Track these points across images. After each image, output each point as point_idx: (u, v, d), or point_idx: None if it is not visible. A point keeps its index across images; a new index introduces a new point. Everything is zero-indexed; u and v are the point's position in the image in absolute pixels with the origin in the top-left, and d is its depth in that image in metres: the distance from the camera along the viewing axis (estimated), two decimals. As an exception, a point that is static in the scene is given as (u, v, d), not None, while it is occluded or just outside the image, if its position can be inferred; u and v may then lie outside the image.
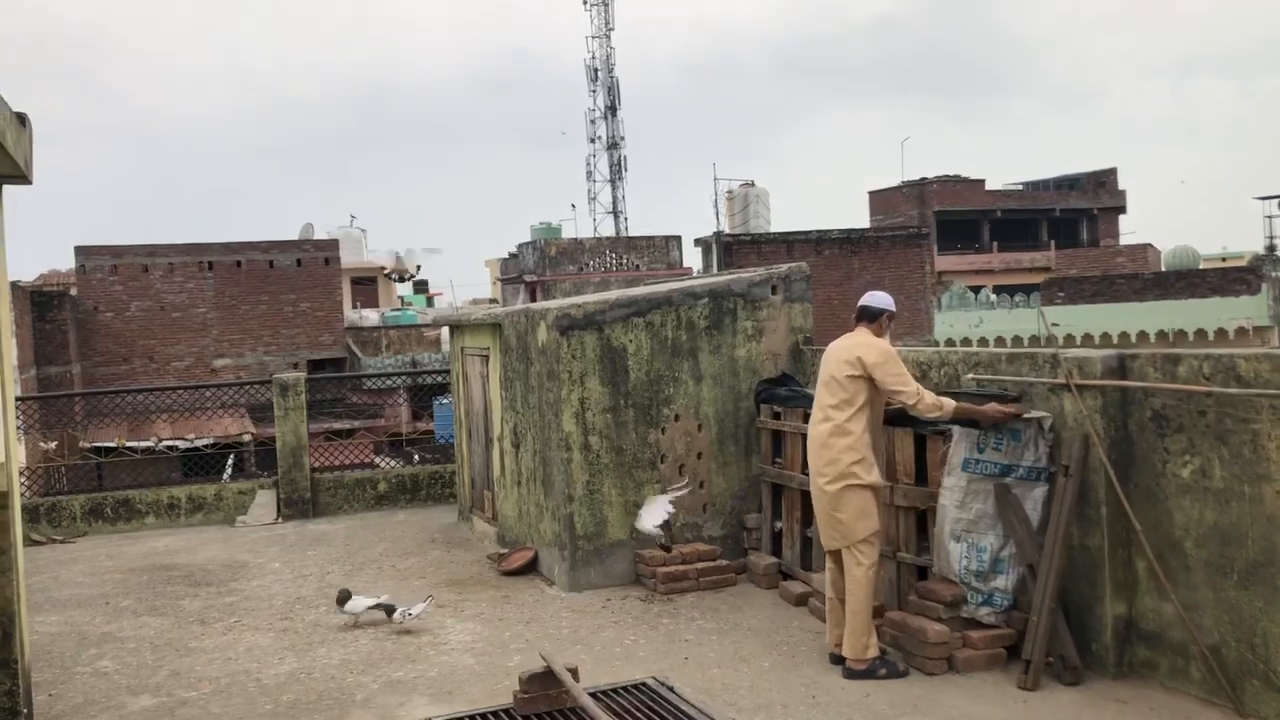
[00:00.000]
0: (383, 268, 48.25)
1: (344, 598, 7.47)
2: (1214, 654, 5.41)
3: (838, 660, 6.20)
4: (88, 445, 19.01)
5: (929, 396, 6.07)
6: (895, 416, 6.69)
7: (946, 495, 6.27)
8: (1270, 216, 47.35)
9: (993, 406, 6.12)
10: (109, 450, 18.69)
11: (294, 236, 37.21)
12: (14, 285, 25.05)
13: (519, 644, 6.88)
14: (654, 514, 7.18)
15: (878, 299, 6.44)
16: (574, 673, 5.58)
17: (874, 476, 6.16)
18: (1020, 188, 61.68)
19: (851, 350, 6.18)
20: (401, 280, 50.51)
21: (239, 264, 32.91)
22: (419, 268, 50.88)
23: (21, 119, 5.17)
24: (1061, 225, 58.25)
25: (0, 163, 5.00)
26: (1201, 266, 43.87)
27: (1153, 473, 5.75)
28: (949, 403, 6.07)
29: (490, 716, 5.58)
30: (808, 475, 7.43)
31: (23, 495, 11.98)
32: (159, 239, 33.42)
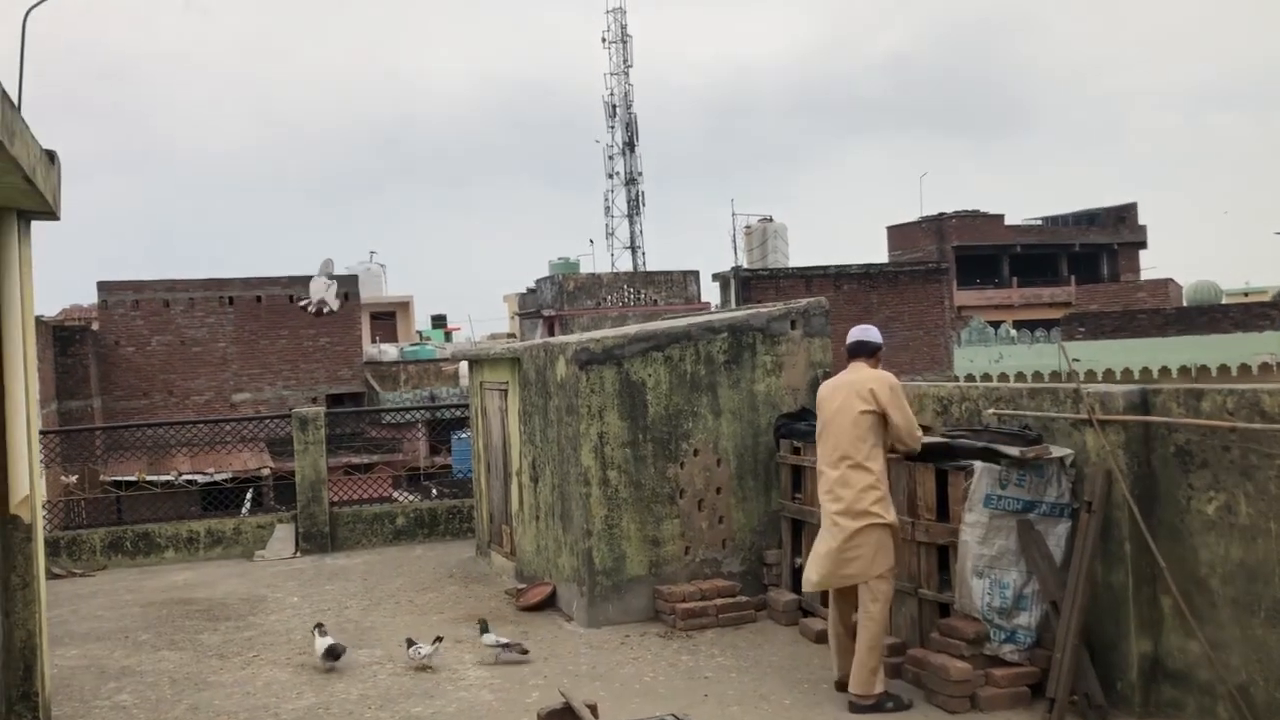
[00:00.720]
0: (404, 303, 48.51)
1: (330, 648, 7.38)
2: (1242, 693, 5.32)
3: (841, 687, 6.19)
4: (108, 479, 19.11)
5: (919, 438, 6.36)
6: (918, 452, 6.66)
7: (969, 531, 6.23)
8: (1291, 251, 47.10)
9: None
10: (129, 484, 18.79)
11: (314, 272, 37.48)
12: (37, 320, 25.33)
13: (537, 680, 6.84)
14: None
15: (873, 333, 6.50)
16: (593, 709, 5.54)
17: (892, 515, 6.16)
18: (1040, 223, 61.59)
19: (864, 384, 6.17)
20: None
21: (259, 299, 33.14)
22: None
23: (51, 156, 5.26)
24: (1081, 260, 58.08)
25: (29, 199, 5.08)
26: (1224, 301, 43.64)
27: (1177, 509, 5.69)
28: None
29: (509, 753, 5.55)
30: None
31: (44, 528, 12.05)
32: (180, 272, 33.79)
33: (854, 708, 6.02)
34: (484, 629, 7.42)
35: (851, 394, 6.18)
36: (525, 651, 7.30)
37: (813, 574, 6.31)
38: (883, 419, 6.12)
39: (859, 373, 6.31)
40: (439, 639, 7.43)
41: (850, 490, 6.09)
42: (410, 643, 7.32)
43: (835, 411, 6.23)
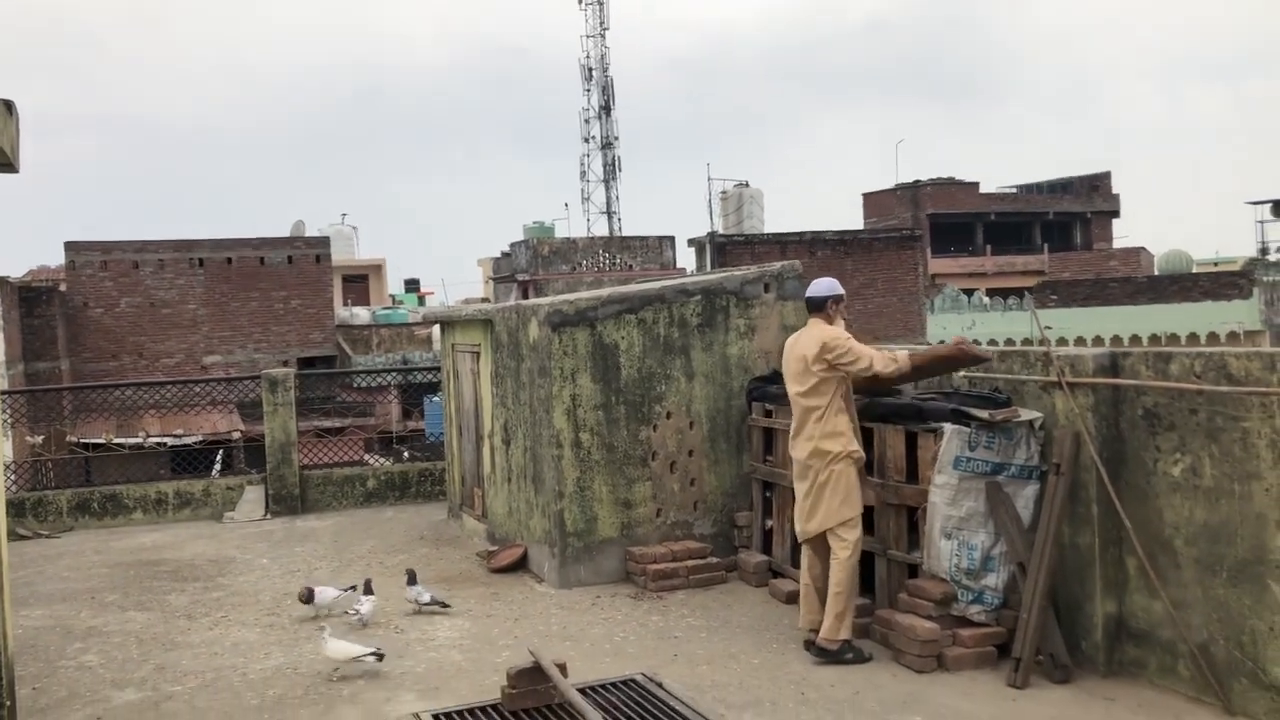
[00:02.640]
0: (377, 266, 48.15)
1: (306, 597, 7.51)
2: (1203, 652, 5.40)
3: (809, 644, 6.31)
4: (76, 440, 18.92)
5: (881, 357, 6.23)
6: (885, 414, 6.68)
7: (937, 493, 6.26)
8: (1262, 221, 47.48)
9: (955, 339, 6.33)
10: (97, 446, 18.62)
11: (285, 233, 37.09)
12: (2, 281, 24.95)
13: (507, 640, 6.84)
14: (347, 648, 6.40)
15: (820, 287, 6.58)
16: (563, 668, 5.55)
17: (855, 445, 6.31)
18: (1014, 191, 61.77)
19: (810, 343, 6.36)
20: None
21: (229, 261, 32.77)
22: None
23: (8, 105, 5.12)
24: (1055, 229, 58.34)
25: (-14, 150, 4.94)
26: (1194, 271, 44.00)
27: (1144, 471, 5.74)
28: (903, 355, 6.26)
29: (478, 712, 5.55)
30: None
31: (9, 489, 11.91)
32: (149, 234, 33.30)
33: (817, 651, 6.16)
34: (411, 580, 7.63)
35: (800, 352, 6.40)
36: (447, 605, 7.53)
37: (797, 525, 6.51)
38: (832, 369, 6.23)
39: (809, 330, 6.48)
40: (358, 587, 7.50)
41: (811, 442, 6.29)
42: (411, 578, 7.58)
43: (793, 369, 6.45)
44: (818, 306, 6.51)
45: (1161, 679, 5.65)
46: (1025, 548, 6.02)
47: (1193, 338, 31.26)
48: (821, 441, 6.26)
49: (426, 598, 7.58)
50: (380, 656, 6.32)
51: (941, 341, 6.59)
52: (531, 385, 8.46)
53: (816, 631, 6.30)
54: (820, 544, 6.36)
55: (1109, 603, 5.87)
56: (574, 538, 8.08)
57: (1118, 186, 60.65)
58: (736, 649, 6.50)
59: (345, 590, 7.63)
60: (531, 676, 5.52)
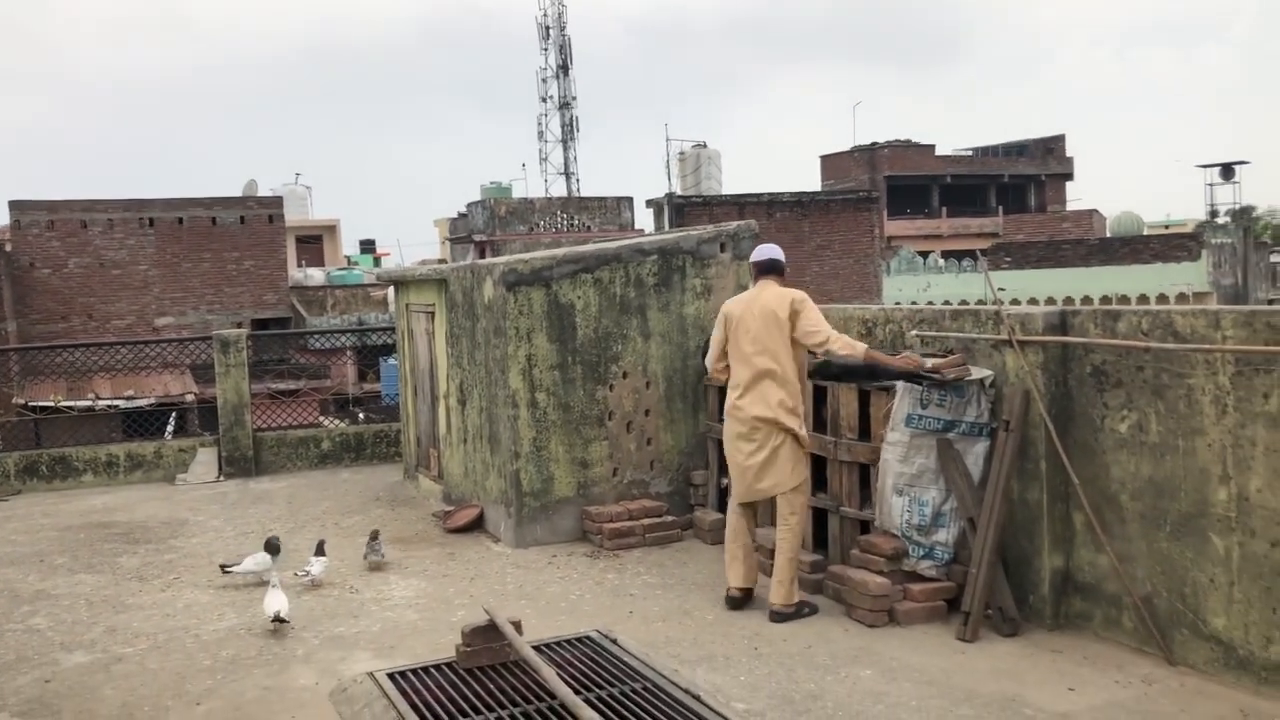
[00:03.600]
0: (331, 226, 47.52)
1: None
2: (1146, 604, 5.51)
3: (736, 603, 6.42)
4: (24, 403, 18.60)
5: (840, 339, 6.17)
6: (839, 373, 6.72)
7: (890, 450, 6.32)
8: (1211, 184, 48.19)
9: (902, 357, 6.24)
10: (46, 409, 18.31)
11: (237, 193, 36.47)
12: (-55, 240, 24.34)
13: (463, 600, 6.85)
14: (277, 601, 6.49)
15: (779, 251, 6.52)
16: (517, 626, 5.55)
17: (803, 430, 6.33)
18: (970, 153, 62.16)
19: (777, 302, 6.21)
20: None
21: (180, 221, 32.21)
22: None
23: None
24: (1010, 191, 58.84)
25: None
26: (1145, 233, 44.60)
27: (1091, 427, 5.82)
28: (860, 346, 6.19)
29: (432, 670, 5.55)
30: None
31: (-46, 453, 11.70)
32: (97, 194, 32.62)
33: (778, 617, 6.20)
34: (373, 537, 7.77)
35: (769, 309, 6.21)
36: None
37: (737, 489, 6.47)
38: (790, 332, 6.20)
39: (770, 289, 6.33)
40: (319, 546, 7.50)
41: (767, 406, 6.21)
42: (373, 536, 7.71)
43: (754, 327, 6.25)
44: (774, 269, 6.44)
45: (1106, 631, 5.77)
46: (975, 504, 6.10)
47: (1143, 299, 31.74)
48: (781, 413, 6.18)
49: (381, 553, 7.71)
50: (282, 621, 6.32)
51: (907, 349, 6.62)
52: (487, 345, 8.42)
53: (743, 590, 6.44)
54: (753, 506, 6.47)
55: (1056, 557, 5.98)
56: (530, 497, 8.08)
57: (1072, 149, 61.25)
58: (691, 605, 6.56)
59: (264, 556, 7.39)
60: (486, 635, 5.52)
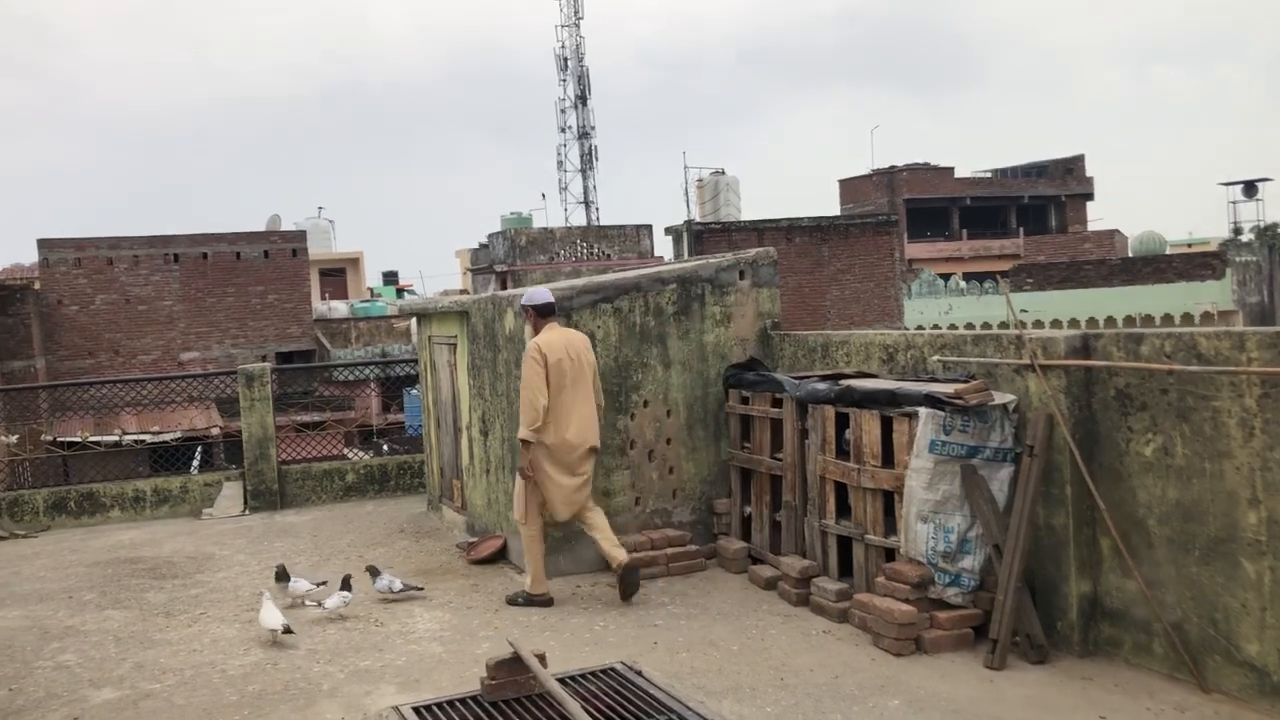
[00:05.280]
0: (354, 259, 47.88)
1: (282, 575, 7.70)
2: (1176, 630, 5.45)
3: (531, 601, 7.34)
4: (52, 439, 18.77)
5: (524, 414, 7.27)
6: (861, 399, 6.70)
7: (914, 477, 6.29)
8: (1234, 202, 47.85)
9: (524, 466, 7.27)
10: (74, 445, 18.47)
11: (261, 228, 36.80)
12: (-25, 279, 24.66)
13: (487, 632, 6.84)
14: (274, 616, 6.82)
15: (547, 293, 7.54)
16: (542, 659, 5.55)
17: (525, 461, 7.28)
18: (989, 175, 62.03)
19: (579, 337, 7.39)
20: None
21: (205, 256, 32.52)
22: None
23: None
24: (1030, 212, 58.64)
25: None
26: (1168, 252, 44.32)
27: (1116, 451, 5.78)
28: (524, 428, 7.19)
29: (458, 704, 5.55)
30: (777, 459, 7.47)
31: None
32: (124, 231, 32.99)
33: (523, 599, 7.30)
34: (374, 573, 7.84)
35: (582, 351, 7.29)
36: (420, 588, 7.81)
37: (564, 511, 7.34)
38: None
39: (568, 332, 7.41)
40: (327, 583, 7.61)
41: (595, 428, 7.33)
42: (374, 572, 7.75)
43: (578, 366, 7.21)
44: (553, 311, 7.44)
45: (1137, 657, 5.71)
46: (1000, 530, 6.06)
47: (1166, 319, 31.52)
48: (597, 438, 7.32)
49: (399, 585, 7.68)
50: (289, 631, 6.78)
51: (930, 374, 6.84)
52: (508, 376, 8.44)
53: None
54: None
55: (1084, 583, 5.92)
56: (553, 528, 8.07)
57: (1091, 169, 61.06)
58: (716, 636, 6.52)
59: (320, 584, 7.66)
60: (511, 667, 5.53)
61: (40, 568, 9.52)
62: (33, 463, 15.53)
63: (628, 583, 7.22)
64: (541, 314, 7.37)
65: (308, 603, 7.44)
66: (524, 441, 7.20)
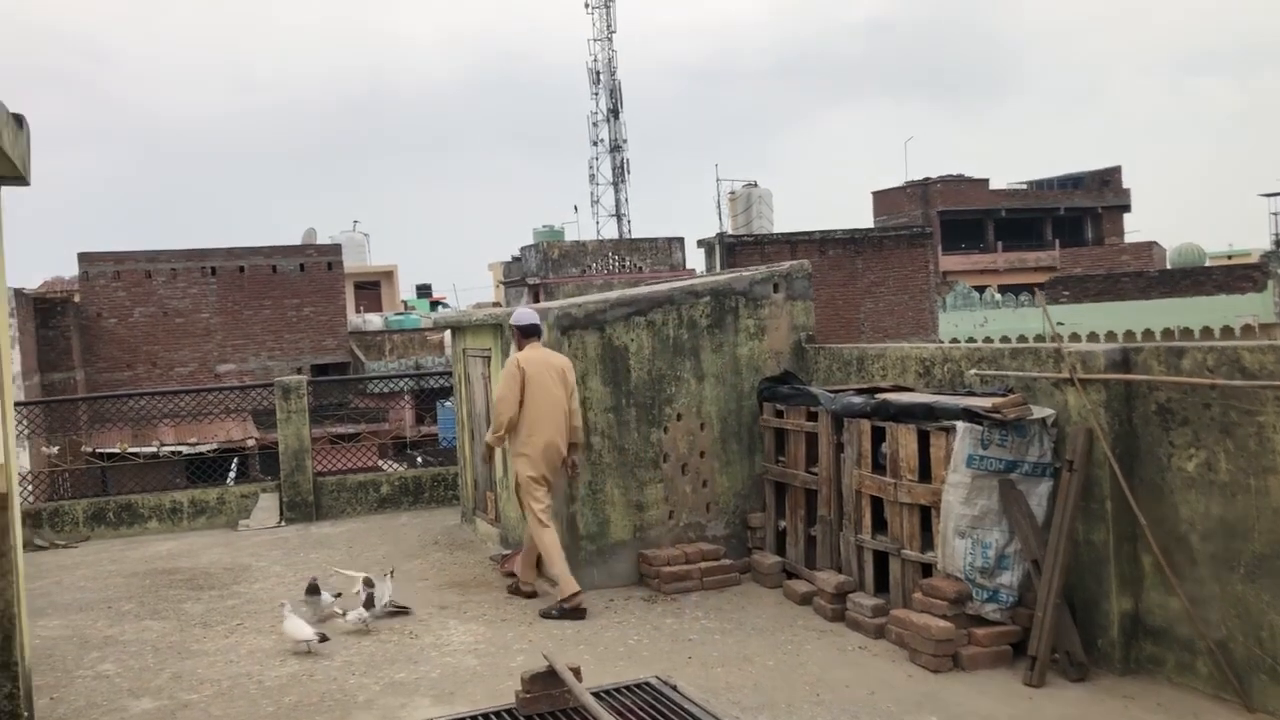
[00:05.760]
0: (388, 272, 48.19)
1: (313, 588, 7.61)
2: (1221, 649, 5.36)
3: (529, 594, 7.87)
4: (91, 450, 19.01)
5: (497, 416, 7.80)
6: (898, 413, 6.66)
7: (951, 492, 6.23)
8: (1275, 213, 47.21)
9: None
10: (113, 456, 18.69)
11: (296, 241, 37.17)
12: (17, 293, 25.06)
13: (521, 645, 6.84)
14: (301, 627, 6.95)
15: (535, 315, 7.89)
16: (576, 672, 5.54)
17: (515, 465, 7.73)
18: (1024, 187, 61.61)
19: (558, 361, 7.71)
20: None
21: (242, 269, 32.88)
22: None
23: (19, 120, 5.15)
24: (1066, 224, 58.17)
25: (-3, 163, 4.98)
26: (1207, 264, 43.79)
27: (1157, 466, 5.70)
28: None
29: (492, 717, 5.55)
30: (812, 473, 7.43)
31: (26, 500, 11.98)
32: (161, 244, 33.45)
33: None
34: (313, 590, 7.58)
35: (558, 364, 7.67)
36: (405, 609, 7.71)
37: (548, 509, 7.69)
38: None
39: (544, 350, 7.74)
40: (367, 582, 7.54)
41: (565, 431, 7.62)
42: (369, 600, 7.43)
43: (551, 381, 7.57)
44: (537, 332, 7.79)
45: (1180, 676, 5.62)
46: (1039, 545, 5.99)
47: (1206, 332, 31.09)
48: (565, 441, 7.63)
49: (385, 600, 7.55)
50: (324, 638, 6.88)
51: (967, 388, 6.80)
52: (542, 389, 8.45)
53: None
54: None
55: (1125, 600, 5.84)
56: (586, 541, 8.08)
57: (1128, 181, 60.50)
58: (751, 651, 6.49)
59: (336, 595, 7.73)
60: (546, 681, 5.52)
61: (80, 578, 9.63)
62: (72, 473, 15.73)
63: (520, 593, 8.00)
64: (525, 334, 7.77)
65: (335, 611, 7.47)
66: (487, 445, 8.19)
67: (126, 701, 6.23)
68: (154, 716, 5.97)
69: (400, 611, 7.66)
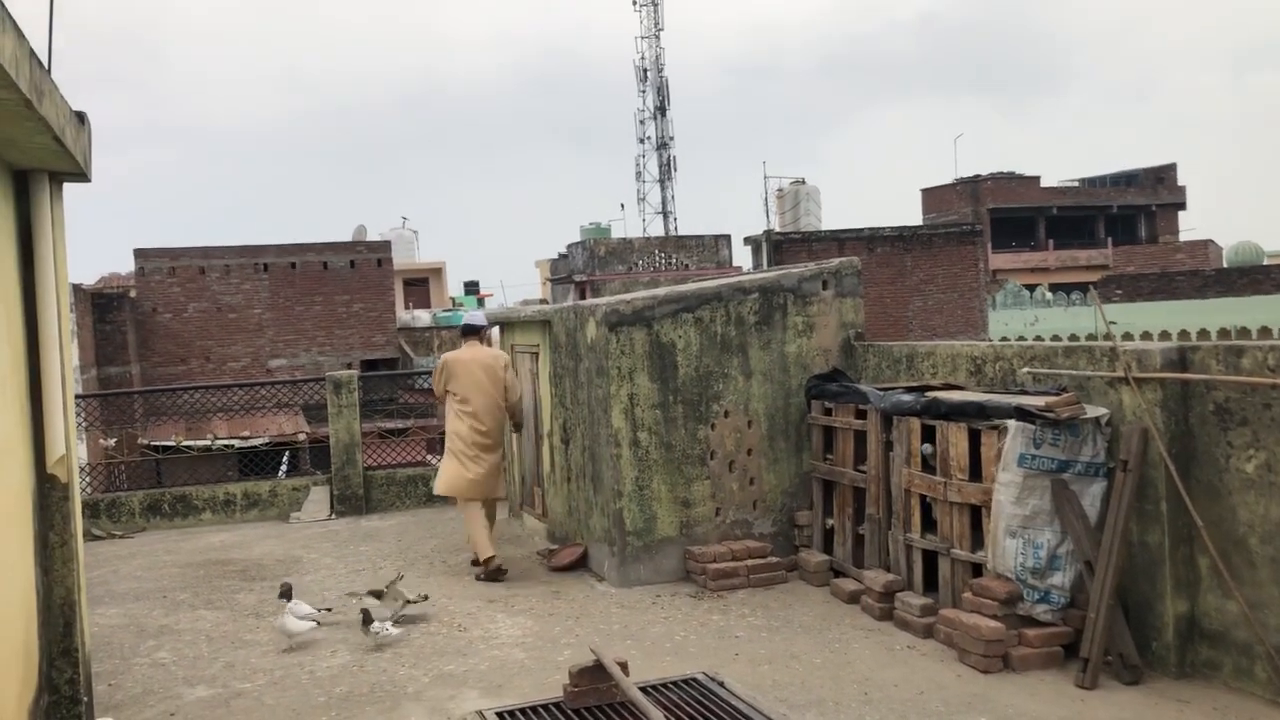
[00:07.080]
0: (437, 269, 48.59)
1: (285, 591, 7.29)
2: (1280, 654, 5.26)
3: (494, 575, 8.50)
4: (146, 443, 19.35)
5: (519, 394, 9.22)
6: (949, 411, 6.60)
7: (1002, 491, 6.17)
8: (1337, 211, 46.16)
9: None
10: (167, 448, 19.00)
11: (347, 238, 37.58)
12: (76, 288, 25.59)
13: (569, 639, 6.88)
14: (295, 625, 6.97)
15: (479, 318, 9.36)
16: (624, 667, 5.56)
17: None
18: (1077, 184, 60.75)
19: (499, 357, 8.91)
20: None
21: (293, 266, 33.31)
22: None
23: (81, 117, 5.26)
24: (1119, 222, 57.28)
25: (60, 160, 5.08)
26: (1265, 263, 42.90)
27: (1215, 467, 5.61)
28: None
29: (540, 710, 5.59)
30: (860, 471, 7.39)
31: (84, 492, 12.23)
32: (214, 241, 33.99)
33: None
34: (286, 594, 7.23)
35: (493, 363, 8.81)
36: (425, 596, 7.81)
37: (472, 490, 8.71)
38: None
39: (483, 349, 8.98)
40: (406, 601, 7.49)
41: (496, 435, 8.77)
42: (366, 617, 7.03)
43: (482, 378, 8.74)
44: (475, 332, 9.00)
45: (1237, 681, 5.52)
46: (1092, 546, 5.92)
47: (1264, 331, 30.45)
48: (502, 434, 8.90)
49: (399, 606, 7.38)
50: (328, 609, 7.40)
51: (1019, 386, 6.69)
52: (589, 385, 8.49)
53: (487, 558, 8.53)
54: (489, 502, 8.86)
55: (1180, 602, 5.75)
56: (633, 536, 8.10)
57: (1183, 178, 59.56)
58: (798, 649, 6.47)
59: (324, 610, 7.53)
60: (593, 675, 5.55)
61: (136, 568, 9.81)
62: (128, 465, 16.02)
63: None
64: (463, 334, 9.06)
65: (376, 629, 7.04)
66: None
67: (181, 689, 6.35)
68: (208, 704, 6.08)
69: (420, 602, 7.62)
